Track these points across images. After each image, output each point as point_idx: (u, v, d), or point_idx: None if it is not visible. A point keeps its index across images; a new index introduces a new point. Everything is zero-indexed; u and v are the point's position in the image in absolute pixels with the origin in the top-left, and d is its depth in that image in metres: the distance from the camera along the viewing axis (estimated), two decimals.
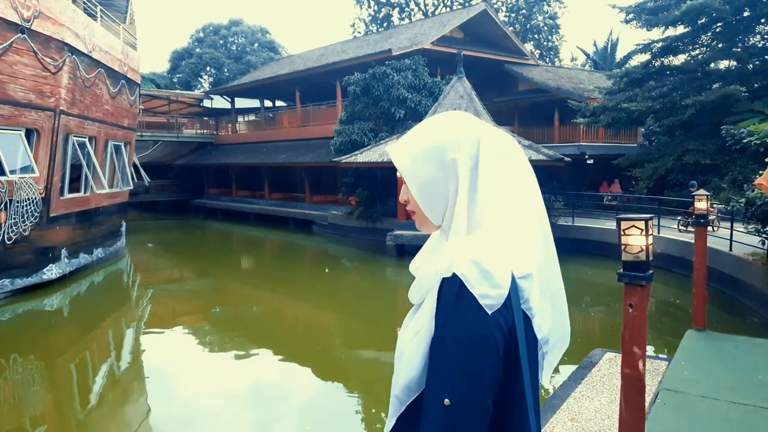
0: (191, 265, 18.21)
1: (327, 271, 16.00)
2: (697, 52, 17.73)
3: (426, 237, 1.13)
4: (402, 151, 1.05)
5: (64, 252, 12.90)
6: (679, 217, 13.94)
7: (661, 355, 6.68)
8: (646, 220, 2.86)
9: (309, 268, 17.14)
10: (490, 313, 0.89)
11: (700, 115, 15.93)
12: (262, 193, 28.25)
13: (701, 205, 6.41)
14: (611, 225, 15.18)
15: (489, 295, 0.90)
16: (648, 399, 4.00)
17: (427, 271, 1.00)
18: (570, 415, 4.44)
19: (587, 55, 37.01)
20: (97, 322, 10.59)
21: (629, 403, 2.59)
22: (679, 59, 18.30)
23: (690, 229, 12.69)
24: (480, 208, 0.98)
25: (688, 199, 13.41)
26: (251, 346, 9.19)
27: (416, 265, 1.09)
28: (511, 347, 0.93)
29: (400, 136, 13.98)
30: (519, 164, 1.03)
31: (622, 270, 2.90)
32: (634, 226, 2.86)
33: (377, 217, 18.66)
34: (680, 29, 17.50)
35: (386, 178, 18.29)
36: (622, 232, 2.89)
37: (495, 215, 0.98)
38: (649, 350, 7.27)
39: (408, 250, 16.11)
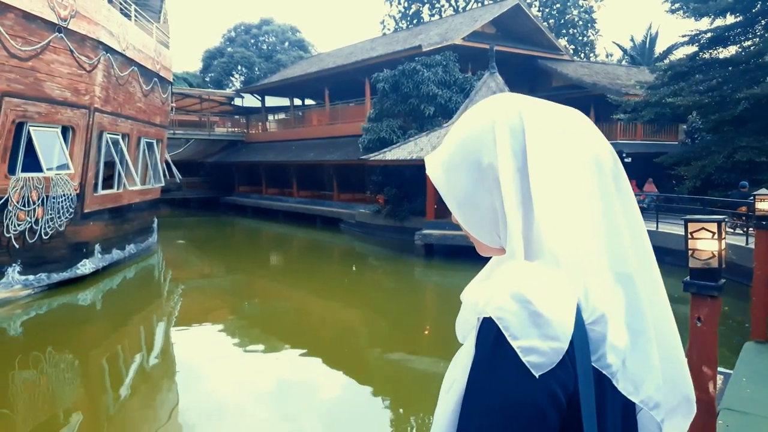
0: (221, 261, 18.35)
1: (354, 269, 15.93)
2: (750, 43, 16.77)
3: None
4: (435, 159, 0.80)
5: (97, 247, 13.10)
6: (726, 219, 13.38)
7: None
8: (719, 222, 2.58)
9: (336, 267, 17.09)
10: (537, 375, 0.63)
11: (753, 110, 15.10)
12: (291, 190, 28.38)
13: (764, 205, 5.98)
14: (650, 226, 14.69)
15: (537, 350, 0.63)
16: None
17: (468, 302, 0.74)
18: None
19: (624, 51, 36.02)
20: (128, 317, 10.74)
21: (699, 430, 2.31)
22: (729, 51, 17.37)
23: (738, 231, 12.17)
24: (539, 223, 0.70)
25: (736, 200, 12.87)
26: (279, 343, 9.22)
27: (464, 292, 0.82)
28: (572, 424, 0.66)
29: (429, 133, 13.63)
30: (594, 153, 0.73)
31: (689, 278, 2.60)
32: (704, 228, 2.58)
33: (405, 216, 18.46)
34: (730, 19, 16.60)
35: (414, 176, 18.08)
36: (689, 236, 2.60)
37: (561, 231, 0.70)
38: None
39: (437, 249, 15.92)
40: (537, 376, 0.63)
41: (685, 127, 20.46)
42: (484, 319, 0.66)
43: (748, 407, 4.18)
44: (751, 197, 12.72)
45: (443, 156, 0.78)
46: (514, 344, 0.63)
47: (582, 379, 0.65)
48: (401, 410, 6.61)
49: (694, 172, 16.00)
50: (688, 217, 2.80)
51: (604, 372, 0.68)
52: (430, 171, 0.80)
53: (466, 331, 0.74)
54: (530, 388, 0.63)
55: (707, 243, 2.66)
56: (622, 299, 0.70)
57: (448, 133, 0.82)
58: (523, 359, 0.63)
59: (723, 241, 2.74)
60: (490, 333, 0.65)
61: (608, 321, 0.68)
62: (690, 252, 2.70)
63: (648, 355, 0.71)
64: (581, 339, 0.65)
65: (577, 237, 0.69)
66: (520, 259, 0.71)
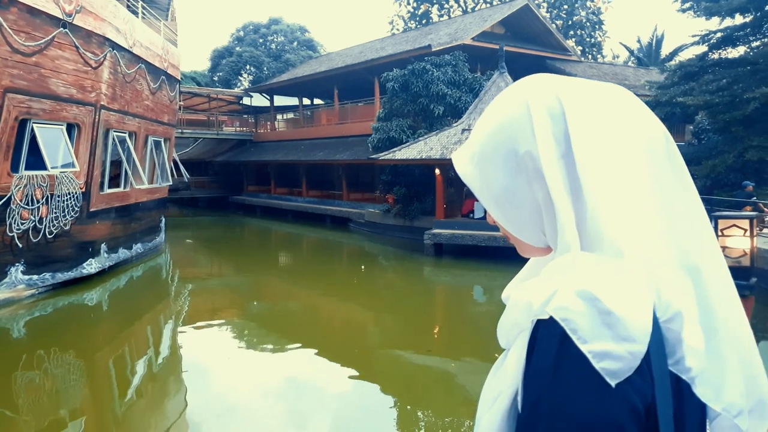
0: (230, 261, 18.27)
1: (363, 268, 15.81)
2: (758, 43, 16.85)
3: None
4: (463, 154, 0.73)
5: (103, 247, 13.01)
6: (757, 215, 13.23)
7: None
8: (751, 219, 2.44)
9: (346, 266, 17.00)
10: (614, 384, 0.55)
11: (764, 109, 15.17)
12: (300, 190, 28.32)
13: None
14: None
15: (612, 354, 0.55)
16: None
17: (517, 301, 0.65)
18: None
19: (630, 52, 36.15)
20: (135, 317, 10.65)
21: None
22: (739, 51, 17.42)
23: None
24: (595, 212, 0.62)
25: (741, 200, 12.81)
26: (287, 342, 9.14)
27: (507, 292, 0.75)
28: None
29: (439, 133, 13.57)
30: (646, 133, 0.65)
31: None
32: (734, 225, 2.43)
33: (415, 216, 18.37)
34: (739, 19, 16.67)
35: (424, 175, 17.99)
36: (719, 233, 2.47)
37: (622, 220, 0.61)
38: None
39: (446, 249, 15.87)
40: (613, 386, 0.55)
41: (691, 127, 20.47)
42: (543, 321, 0.58)
43: None
44: (755, 197, 12.78)
45: (473, 149, 0.71)
46: (584, 348, 0.55)
47: (659, 387, 0.57)
48: (411, 409, 6.57)
49: (705, 172, 16.10)
50: (718, 213, 2.73)
51: (682, 377, 0.60)
52: (459, 168, 0.73)
53: (514, 335, 0.65)
54: (607, 401, 0.55)
55: (738, 240, 2.55)
56: (692, 294, 0.63)
57: (481, 117, 0.72)
58: (596, 366, 0.55)
59: (755, 239, 2.64)
60: (552, 337, 0.57)
61: (684, 318, 0.60)
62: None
63: (725, 357, 0.63)
64: (657, 340, 0.58)
65: (640, 225, 0.61)
66: (576, 247, 0.62)
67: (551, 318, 0.57)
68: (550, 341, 0.57)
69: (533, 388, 0.58)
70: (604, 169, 0.62)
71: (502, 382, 0.64)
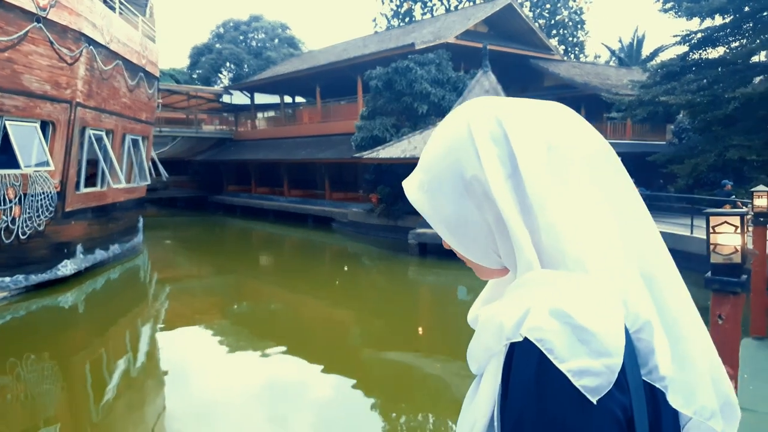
0: (209, 262, 18.04)
1: (346, 269, 15.72)
2: (737, 44, 17.19)
3: None
4: (412, 182, 0.73)
5: (79, 248, 12.71)
6: (748, 212, 13.58)
7: None
8: (742, 216, 2.44)
9: (329, 267, 16.91)
10: (595, 400, 0.54)
11: (743, 109, 15.50)
12: (282, 189, 28.07)
13: (761, 202, 5.89)
14: None
15: (590, 371, 0.54)
16: None
17: (487, 324, 0.63)
18: None
19: (612, 52, 36.59)
20: (113, 320, 10.46)
21: None
22: (718, 51, 17.72)
23: None
24: (551, 229, 0.62)
25: (721, 199, 13.10)
26: (269, 344, 9.05)
27: (474, 314, 0.74)
28: None
29: (423, 131, 13.55)
30: (589, 148, 0.66)
31: (710, 274, 2.47)
32: (726, 222, 2.42)
33: (399, 215, 18.31)
34: (719, 20, 16.97)
35: (408, 174, 17.74)
36: (711, 230, 2.47)
37: (580, 234, 0.62)
38: None
39: (430, 249, 15.82)
40: (595, 402, 0.54)
41: (672, 127, 20.80)
42: (517, 343, 0.58)
43: (755, 405, 4.03)
44: (734, 195, 13.10)
45: (420, 176, 0.72)
46: (563, 368, 0.55)
47: (635, 398, 0.58)
48: (394, 410, 6.53)
49: (687, 171, 16.40)
50: (710, 210, 2.71)
51: (656, 386, 0.61)
52: (410, 196, 0.73)
53: (485, 359, 0.65)
54: (592, 417, 0.54)
55: (729, 237, 2.56)
56: (652, 302, 0.64)
57: (428, 142, 0.74)
58: (576, 384, 0.54)
59: (746, 236, 2.70)
60: (529, 359, 0.56)
61: (652, 327, 0.61)
62: (712, 247, 2.60)
63: (694, 362, 0.64)
64: (630, 352, 0.58)
65: (597, 238, 0.62)
66: (536, 265, 0.62)
67: (526, 339, 0.56)
68: (527, 363, 0.56)
69: (514, 412, 0.57)
70: (553, 185, 0.63)
71: (477, 411, 0.63)
